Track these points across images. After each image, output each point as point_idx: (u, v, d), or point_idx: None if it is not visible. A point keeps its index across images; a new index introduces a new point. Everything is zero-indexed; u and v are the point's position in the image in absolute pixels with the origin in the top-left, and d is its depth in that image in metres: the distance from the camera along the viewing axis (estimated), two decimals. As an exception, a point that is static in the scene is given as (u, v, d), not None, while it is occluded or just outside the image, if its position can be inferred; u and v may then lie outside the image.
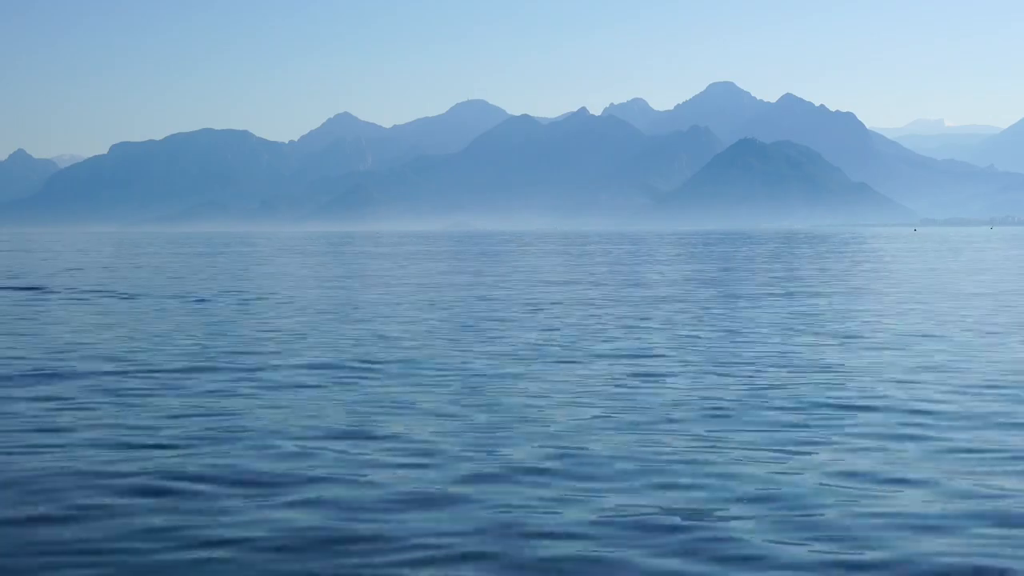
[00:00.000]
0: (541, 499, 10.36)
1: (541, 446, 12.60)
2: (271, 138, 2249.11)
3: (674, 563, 8.62)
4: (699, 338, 24.04)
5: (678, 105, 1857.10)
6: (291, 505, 10.25)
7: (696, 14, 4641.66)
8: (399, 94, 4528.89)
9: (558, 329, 26.17)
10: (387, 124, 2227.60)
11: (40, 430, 13.74)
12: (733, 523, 9.57)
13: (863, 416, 14.43)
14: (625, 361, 20.07)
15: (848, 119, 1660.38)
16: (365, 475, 11.32)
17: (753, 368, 18.97)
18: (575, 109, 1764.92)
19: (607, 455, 12.10)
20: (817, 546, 9.03)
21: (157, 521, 9.75)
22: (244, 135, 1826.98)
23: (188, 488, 10.82)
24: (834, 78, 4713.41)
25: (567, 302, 35.54)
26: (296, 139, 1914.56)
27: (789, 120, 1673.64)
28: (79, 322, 29.43)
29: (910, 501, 10.31)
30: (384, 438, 13.16)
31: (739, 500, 10.28)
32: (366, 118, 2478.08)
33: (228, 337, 24.81)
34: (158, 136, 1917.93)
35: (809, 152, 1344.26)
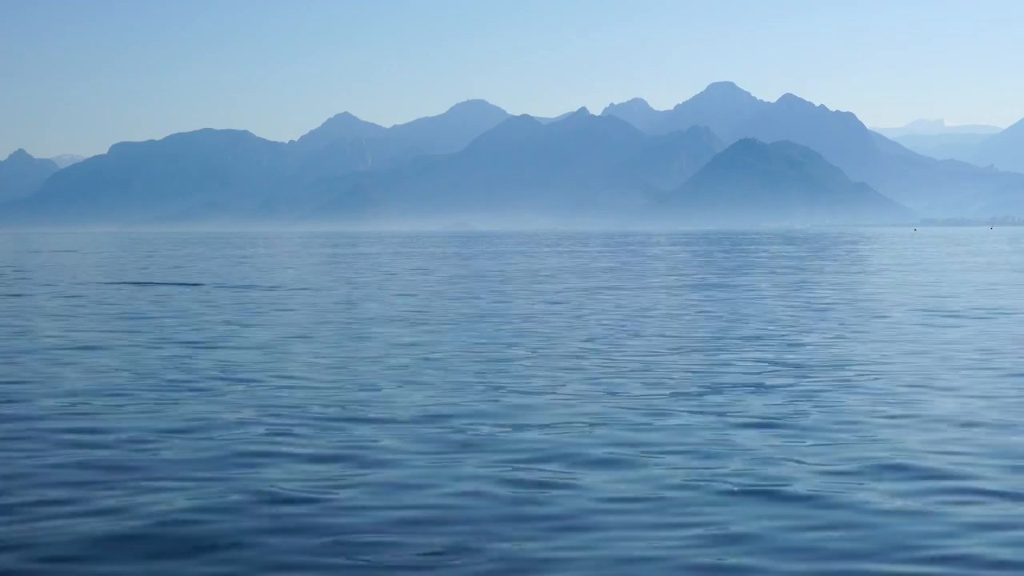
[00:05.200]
0: None
1: None
2: (271, 138, 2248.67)
3: None
4: None
5: (678, 105, 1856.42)
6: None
7: (696, 14, 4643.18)
8: (399, 94, 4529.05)
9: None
10: (387, 124, 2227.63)
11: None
12: None
13: None
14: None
15: (848, 119, 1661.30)
16: None
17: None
18: (575, 109, 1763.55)
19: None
20: None
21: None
22: (244, 135, 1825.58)
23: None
24: (834, 78, 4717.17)
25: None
26: (296, 139, 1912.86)
27: (789, 120, 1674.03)
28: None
29: None
30: None
31: None
32: (366, 118, 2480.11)
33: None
34: (158, 136, 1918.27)
35: (809, 152, 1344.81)
